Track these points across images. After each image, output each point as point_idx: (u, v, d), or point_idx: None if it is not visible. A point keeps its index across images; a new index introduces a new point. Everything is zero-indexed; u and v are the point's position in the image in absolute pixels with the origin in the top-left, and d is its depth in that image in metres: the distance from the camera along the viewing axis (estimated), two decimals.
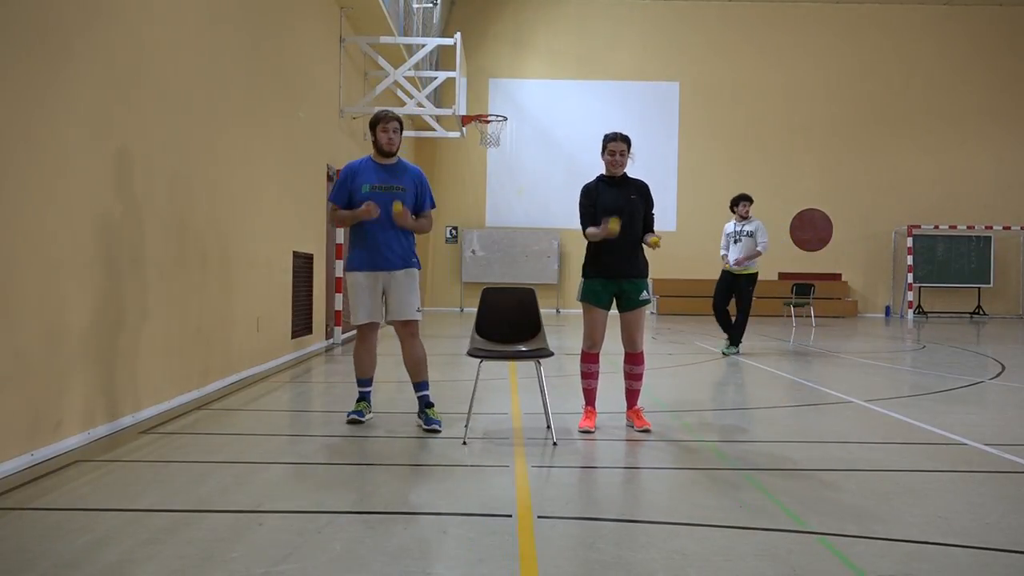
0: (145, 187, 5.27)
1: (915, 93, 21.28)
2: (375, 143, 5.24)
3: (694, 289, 20.32)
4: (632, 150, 5.21)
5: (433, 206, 5.39)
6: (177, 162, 5.80)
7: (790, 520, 3.35)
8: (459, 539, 3.12)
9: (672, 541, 3.09)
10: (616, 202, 5.10)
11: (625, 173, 5.24)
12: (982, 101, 21.21)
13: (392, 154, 5.24)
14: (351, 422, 5.22)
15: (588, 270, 5.20)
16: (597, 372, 5.22)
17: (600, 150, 5.20)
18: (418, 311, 5.27)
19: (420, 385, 5.23)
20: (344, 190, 5.23)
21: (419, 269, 5.33)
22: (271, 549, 2.96)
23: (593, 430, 5.06)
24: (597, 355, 5.20)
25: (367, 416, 5.32)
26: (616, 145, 5.16)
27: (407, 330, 5.24)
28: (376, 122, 5.22)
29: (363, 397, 5.37)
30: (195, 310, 6.15)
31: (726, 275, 9.95)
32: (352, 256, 5.28)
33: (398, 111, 8.05)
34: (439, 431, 5.00)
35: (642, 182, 5.26)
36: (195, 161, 6.15)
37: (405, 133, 6.67)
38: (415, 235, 5.33)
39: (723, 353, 9.94)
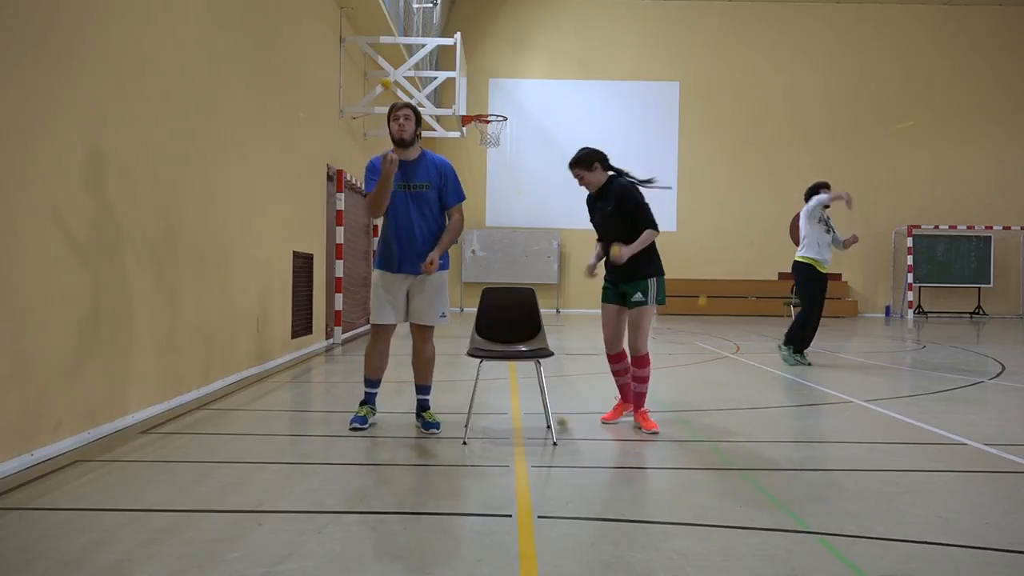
0: (144, 187, 5.28)
1: (915, 93, 21.27)
2: (390, 136, 5.11)
3: (694, 289, 20.30)
4: (596, 164, 5.18)
5: (460, 199, 5.12)
6: (176, 162, 5.79)
7: (790, 520, 3.35)
8: (459, 539, 3.12)
9: (672, 541, 3.09)
10: (598, 222, 5.31)
11: (609, 181, 5.24)
12: (982, 101, 21.20)
13: (407, 143, 5.04)
14: (353, 430, 5.08)
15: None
16: (623, 370, 5.40)
17: None
18: (443, 316, 5.15)
19: (421, 388, 5.19)
20: (375, 181, 5.06)
21: (446, 269, 5.18)
22: (271, 549, 2.96)
23: (614, 422, 5.35)
24: (618, 356, 5.38)
25: (370, 421, 5.20)
26: (574, 172, 5.25)
27: (422, 333, 5.18)
28: (388, 114, 5.13)
29: (368, 400, 5.24)
30: (195, 310, 6.15)
31: (821, 277, 8.92)
32: (377, 253, 5.22)
33: None
34: (437, 432, 5.00)
35: (621, 188, 5.15)
36: (194, 161, 6.15)
37: None
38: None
39: (793, 361, 8.78)
